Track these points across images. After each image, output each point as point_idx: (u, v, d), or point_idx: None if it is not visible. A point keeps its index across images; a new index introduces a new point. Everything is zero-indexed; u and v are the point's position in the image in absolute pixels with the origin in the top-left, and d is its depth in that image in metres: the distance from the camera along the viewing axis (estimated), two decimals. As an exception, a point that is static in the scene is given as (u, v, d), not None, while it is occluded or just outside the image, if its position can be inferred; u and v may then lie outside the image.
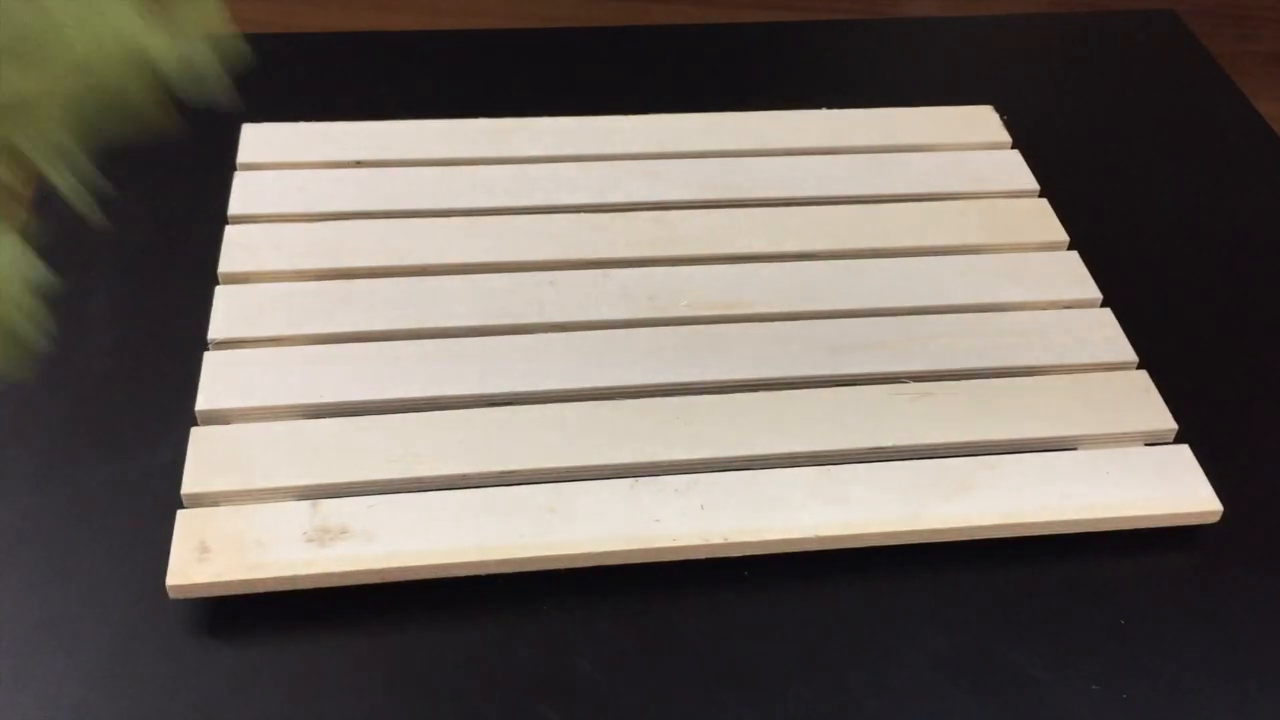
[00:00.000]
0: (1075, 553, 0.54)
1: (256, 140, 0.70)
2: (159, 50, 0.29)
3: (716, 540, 0.52)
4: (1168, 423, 0.57)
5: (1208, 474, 0.55)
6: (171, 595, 0.49)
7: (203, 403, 0.55)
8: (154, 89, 0.29)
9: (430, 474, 0.53)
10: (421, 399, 0.56)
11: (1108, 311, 0.63)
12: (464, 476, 0.53)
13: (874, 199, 0.69)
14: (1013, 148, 0.73)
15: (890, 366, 0.59)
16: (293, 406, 0.56)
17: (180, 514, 0.51)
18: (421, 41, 0.84)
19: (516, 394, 0.57)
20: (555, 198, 0.65)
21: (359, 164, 0.69)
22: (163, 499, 0.52)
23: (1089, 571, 0.53)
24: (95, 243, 0.65)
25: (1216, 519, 0.54)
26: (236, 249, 0.63)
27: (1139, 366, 0.60)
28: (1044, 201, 0.69)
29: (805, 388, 0.58)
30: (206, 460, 0.53)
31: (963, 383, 0.59)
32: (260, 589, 0.50)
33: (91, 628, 0.49)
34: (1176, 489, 0.55)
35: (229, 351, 0.58)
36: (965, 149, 0.73)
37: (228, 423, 0.55)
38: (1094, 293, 0.64)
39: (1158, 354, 0.61)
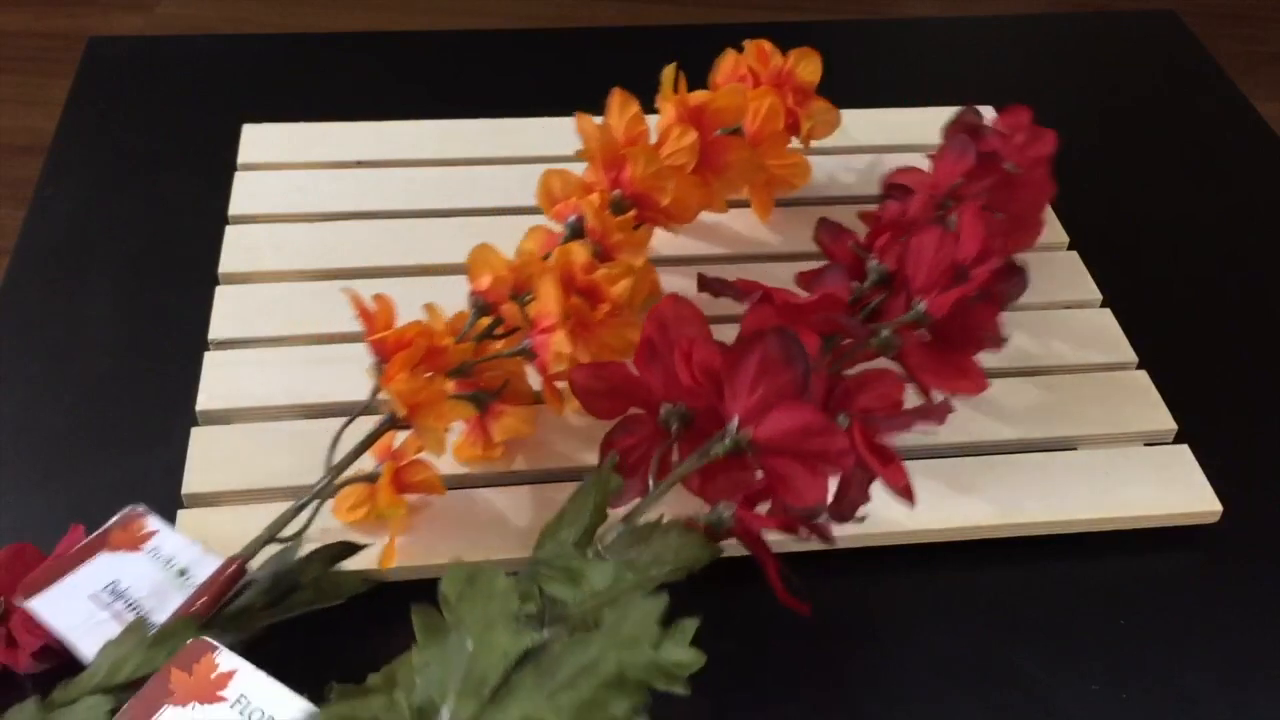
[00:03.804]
0: (1075, 553, 0.54)
1: (256, 140, 0.70)
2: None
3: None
4: (1168, 423, 0.57)
5: (1208, 474, 0.55)
6: (172, 595, 0.49)
7: (203, 403, 0.55)
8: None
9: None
10: (421, 399, 0.56)
11: (1107, 312, 0.63)
12: (464, 476, 0.53)
13: (874, 199, 0.69)
14: (1013, 148, 0.73)
15: (890, 367, 0.59)
16: (293, 406, 0.56)
17: (180, 514, 0.51)
18: (421, 41, 0.84)
19: (516, 394, 0.57)
20: (555, 198, 0.65)
21: (359, 164, 0.69)
22: (163, 499, 0.52)
23: (1088, 571, 0.53)
24: (95, 243, 0.65)
25: (1216, 519, 0.54)
26: (236, 249, 0.63)
27: (1139, 366, 0.60)
28: (1044, 201, 0.69)
29: (805, 388, 0.58)
30: (206, 460, 0.53)
31: (963, 383, 0.59)
32: (260, 589, 0.50)
33: (92, 628, 0.49)
34: (1176, 489, 0.55)
35: (229, 351, 0.58)
36: (965, 149, 0.73)
37: (228, 423, 0.55)
38: (1094, 293, 0.64)
39: (1158, 354, 0.61)
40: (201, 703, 0.41)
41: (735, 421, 0.44)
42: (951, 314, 0.51)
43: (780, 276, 0.56)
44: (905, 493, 0.47)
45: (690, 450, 0.47)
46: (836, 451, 0.44)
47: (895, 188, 0.61)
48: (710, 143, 0.60)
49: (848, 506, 0.48)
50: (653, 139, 0.59)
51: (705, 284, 0.52)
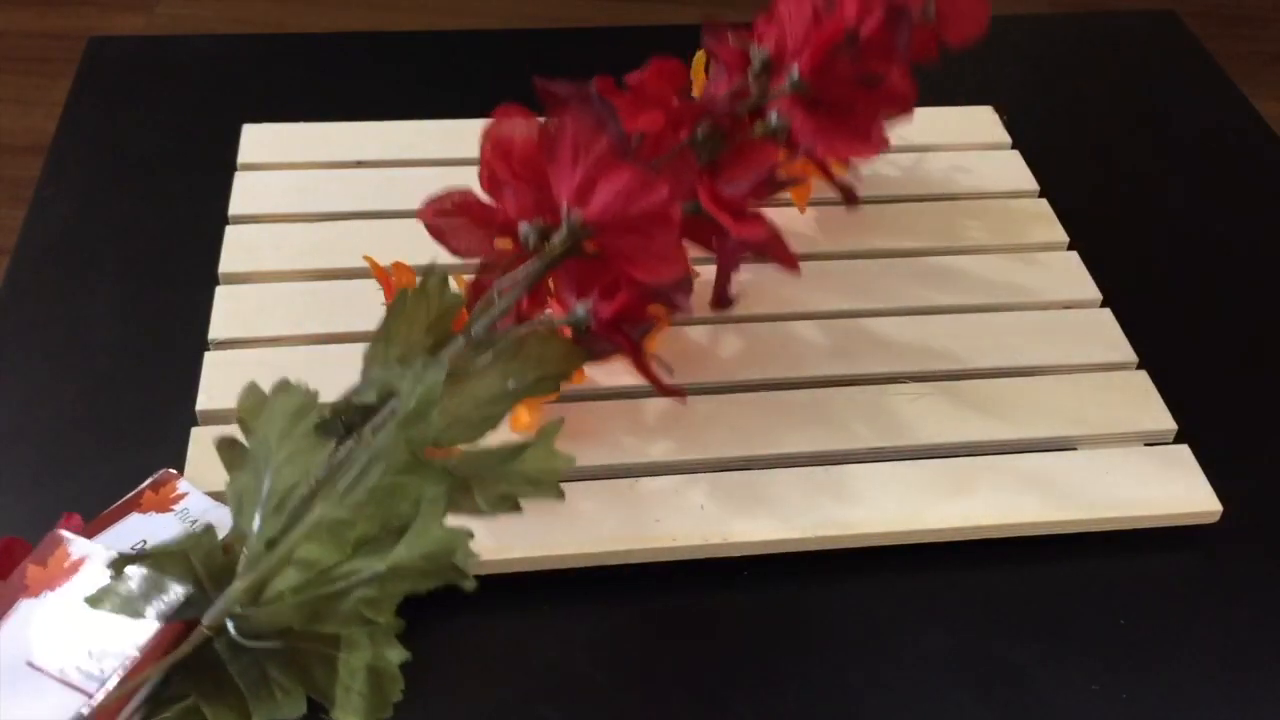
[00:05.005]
0: (1075, 553, 0.54)
1: (256, 140, 0.70)
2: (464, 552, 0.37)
3: (716, 540, 0.52)
4: (1168, 423, 0.57)
5: (1208, 474, 0.55)
6: (171, 595, 0.49)
7: (203, 403, 0.55)
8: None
9: (430, 474, 0.53)
10: (421, 399, 0.56)
11: (1107, 311, 0.63)
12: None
13: (873, 200, 0.69)
14: (1013, 148, 0.73)
15: (890, 366, 0.59)
16: (293, 406, 0.56)
17: (180, 514, 0.51)
18: (421, 41, 0.84)
19: (516, 394, 0.57)
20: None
21: (359, 164, 0.69)
22: (163, 499, 0.52)
23: (1088, 571, 0.53)
24: (95, 243, 0.65)
25: (1216, 519, 0.54)
26: (236, 249, 0.63)
27: (1139, 366, 0.60)
28: (1044, 201, 0.69)
29: (805, 388, 0.58)
30: (207, 460, 0.53)
31: (963, 383, 0.59)
32: (260, 589, 0.50)
33: (91, 628, 0.49)
34: (1176, 489, 0.55)
35: (229, 351, 0.58)
36: (965, 149, 0.73)
37: (228, 423, 0.55)
38: (1094, 293, 0.64)
39: (1158, 354, 0.61)
40: (52, 590, 0.42)
41: (567, 208, 0.40)
42: (833, 75, 0.47)
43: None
44: (774, 248, 0.43)
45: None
46: (661, 204, 0.40)
47: None
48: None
49: (720, 287, 0.45)
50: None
51: (542, 89, 0.45)
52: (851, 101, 0.48)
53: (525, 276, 0.41)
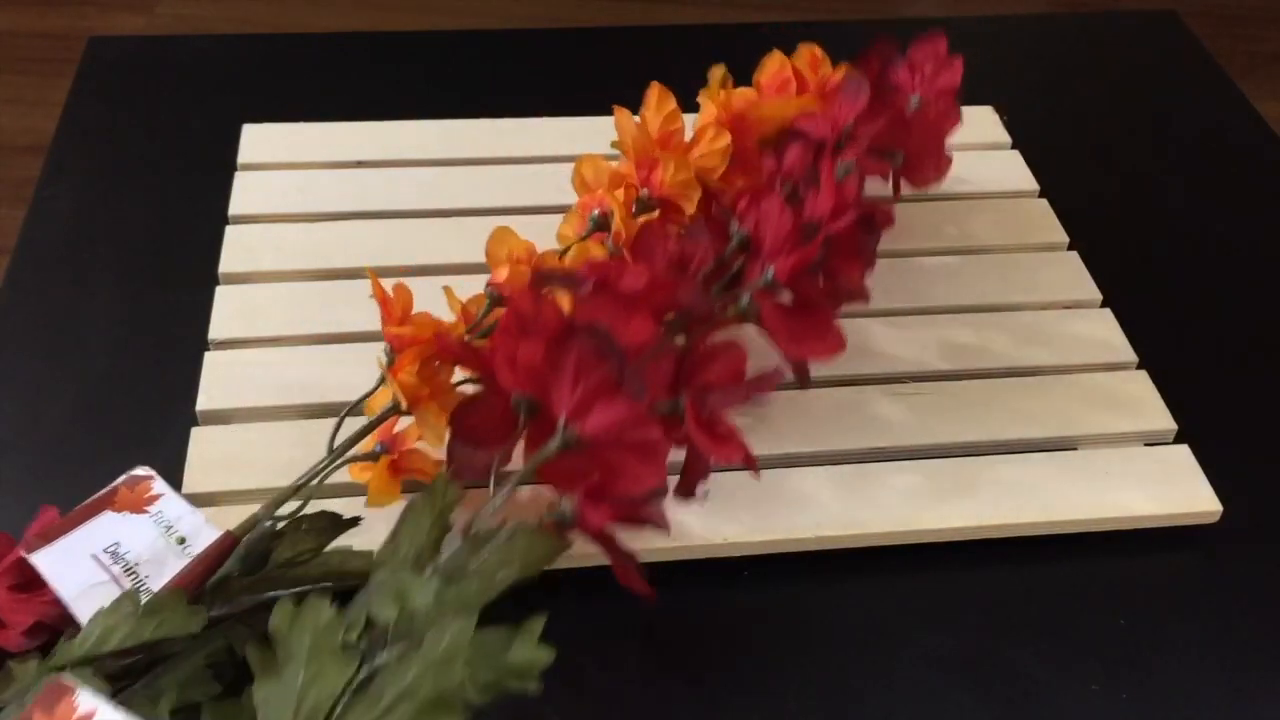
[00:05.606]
0: (1075, 553, 0.54)
1: (256, 140, 0.70)
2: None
3: (716, 540, 0.52)
4: (1168, 423, 0.57)
5: (1208, 474, 0.55)
6: (171, 595, 0.49)
7: (203, 403, 0.55)
8: None
9: (430, 474, 0.53)
10: (421, 399, 0.56)
11: (1107, 311, 0.63)
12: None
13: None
14: (1013, 148, 0.73)
15: (890, 367, 0.59)
16: (293, 406, 0.56)
17: (180, 514, 0.51)
18: (421, 41, 0.84)
19: (516, 394, 0.57)
20: (555, 198, 0.65)
21: (359, 164, 0.69)
22: (163, 499, 0.52)
23: (1088, 571, 0.53)
24: (95, 243, 0.65)
25: (1216, 519, 0.54)
26: (236, 249, 0.63)
27: (1139, 366, 0.60)
28: (1044, 201, 0.69)
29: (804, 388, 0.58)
30: (206, 460, 0.53)
31: (963, 383, 0.59)
32: (260, 589, 0.50)
33: (91, 628, 0.49)
34: (1176, 489, 0.55)
35: (229, 351, 0.58)
36: (965, 149, 0.73)
37: (228, 423, 0.55)
38: (1094, 293, 0.64)
39: (1158, 354, 0.61)
40: None
41: (563, 420, 0.45)
42: (803, 275, 0.50)
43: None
44: (748, 463, 0.46)
45: (537, 436, 0.47)
46: (655, 441, 0.44)
47: (792, 134, 0.59)
48: (748, 148, 0.59)
49: (689, 484, 0.48)
50: (689, 135, 0.59)
51: (537, 279, 0.50)
52: (815, 300, 0.52)
53: (519, 476, 0.45)
